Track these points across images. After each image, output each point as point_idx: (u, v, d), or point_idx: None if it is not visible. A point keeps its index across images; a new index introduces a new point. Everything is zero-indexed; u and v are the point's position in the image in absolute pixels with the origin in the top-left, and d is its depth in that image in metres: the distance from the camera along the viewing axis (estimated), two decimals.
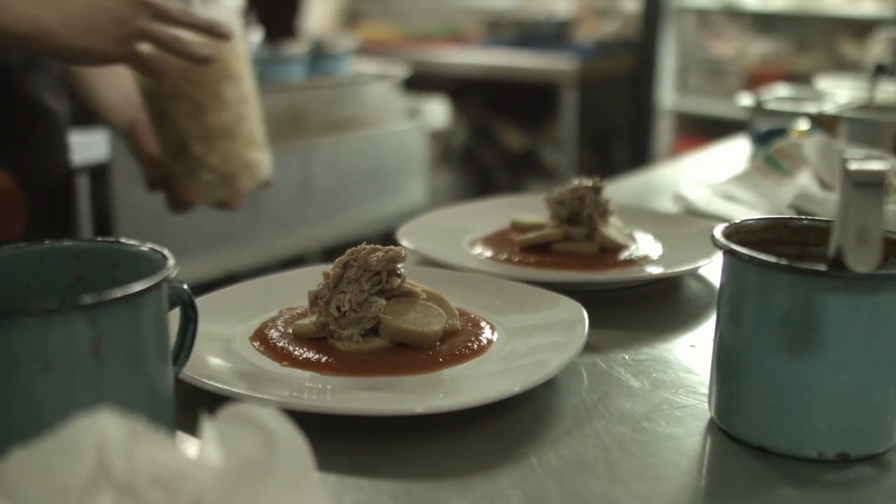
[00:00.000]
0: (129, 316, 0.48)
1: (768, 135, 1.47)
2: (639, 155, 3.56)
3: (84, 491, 0.34)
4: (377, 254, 0.70)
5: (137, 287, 0.48)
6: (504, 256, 0.92)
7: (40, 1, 0.88)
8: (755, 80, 3.37)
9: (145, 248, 0.53)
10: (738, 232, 0.63)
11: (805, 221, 0.66)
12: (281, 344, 0.69)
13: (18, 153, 1.05)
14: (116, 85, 1.20)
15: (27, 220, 1.05)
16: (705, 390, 0.66)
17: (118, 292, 0.47)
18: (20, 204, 1.04)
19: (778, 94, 1.65)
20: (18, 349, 0.46)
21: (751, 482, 0.56)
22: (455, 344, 0.70)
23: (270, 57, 2.48)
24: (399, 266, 0.71)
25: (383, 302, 0.69)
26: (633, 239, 0.97)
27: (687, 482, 0.56)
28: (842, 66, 3.34)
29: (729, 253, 0.59)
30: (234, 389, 0.59)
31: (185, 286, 0.55)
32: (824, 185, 1.17)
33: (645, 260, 0.92)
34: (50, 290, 0.54)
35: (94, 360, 0.47)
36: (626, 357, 0.73)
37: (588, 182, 0.94)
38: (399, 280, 0.71)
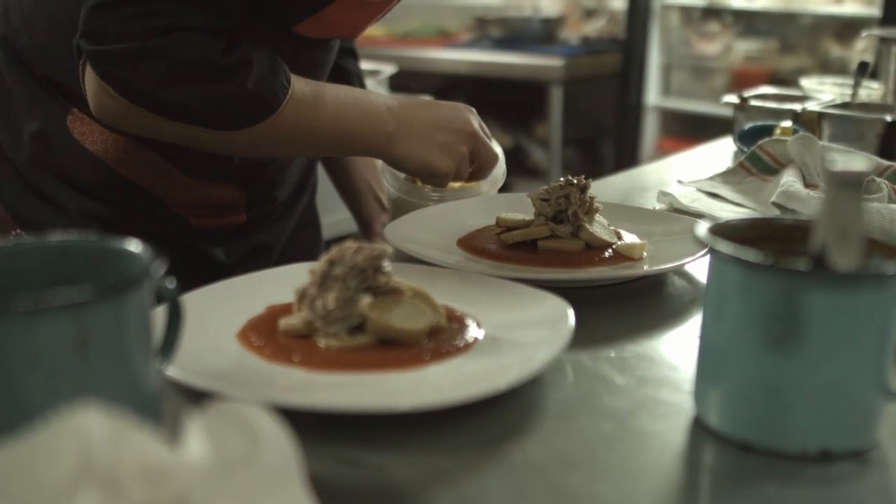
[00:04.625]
0: (114, 313, 0.48)
1: (753, 133, 1.47)
2: (625, 153, 3.57)
3: (68, 487, 0.34)
4: (363, 251, 0.70)
5: (122, 284, 0.48)
6: (490, 254, 0.93)
7: (409, 138, 1.00)
8: (740, 80, 3.39)
9: (130, 245, 0.53)
10: (722, 230, 0.63)
11: (788, 221, 0.66)
12: (267, 341, 0.69)
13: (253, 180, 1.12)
14: (366, 179, 1.34)
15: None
16: (689, 387, 0.66)
17: (102, 290, 0.47)
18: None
19: (762, 92, 1.66)
20: (2, 347, 0.45)
21: (734, 479, 0.56)
22: (441, 341, 0.70)
23: None
24: (385, 263, 0.72)
25: (369, 299, 0.69)
26: (618, 236, 0.97)
27: (670, 478, 0.56)
28: (826, 65, 3.36)
29: (712, 251, 0.59)
30: (219, 386, 0.59)
31: (171, 283, 0.55)
32: (808, 182, 1.18)
33: (630, 257, 0.92)
34: (34, 288, 0.54)
35: (78, 357, 0.47)
36: (612, 354, 0.74)
37: (574, 180, 0.94)
38: (385, 277, 0.71)
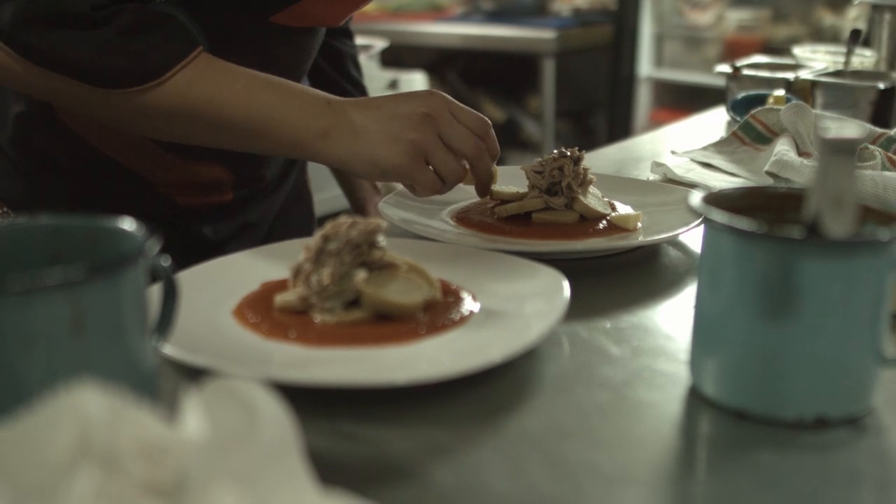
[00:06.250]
0: (110, 292, 0.48)
1: (745, 102, 1.47)
2: (618, 125, 3.56)
3: (66, 465, 0.34)
4: (358, 226, 0.70)
5: (117, 263, 0.48)
6: (484, 227, 0.93)
7: (350, 135, 0.86)
8: (733, 49, 3.38)
9: (124, 223, 0.53)
10: (716, 200, 0.63)
11: (782, 189, 0.66)
12: (263, 318, 0.69)
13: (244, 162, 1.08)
14: None
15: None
16: (685, 357, 0.67)
17: (98, 268, 0.47)
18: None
19: (755, 61, 1.66)
20: None
21: (730, 447, 0.56)
22: (436, 315, 0.70)
23: None
24: (380, 238, 0.71)
25: (364, 274, 0.69)
26: (612, 208, 0.97)
27: (667, 448, 0.56)
28: (819, 34, 3.34)
29: (706, 221, 0.59)
30: (216, 363, 0.59)
31: (165, 261, 0.55)
32: (801, 150, 1.18)
33: (624, 228, 0.92)
34: (29, 268, 0.54)
35: (74, 336, 0.47)
36: (607, 325, 0.74)
37: (567, 152, 0.94)
38: (380, 252, 0.71)
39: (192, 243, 1.07)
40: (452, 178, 0.89)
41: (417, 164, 0.86)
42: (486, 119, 0.91)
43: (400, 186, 1.07)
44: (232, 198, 1.09)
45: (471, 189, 0.96)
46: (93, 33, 0.82)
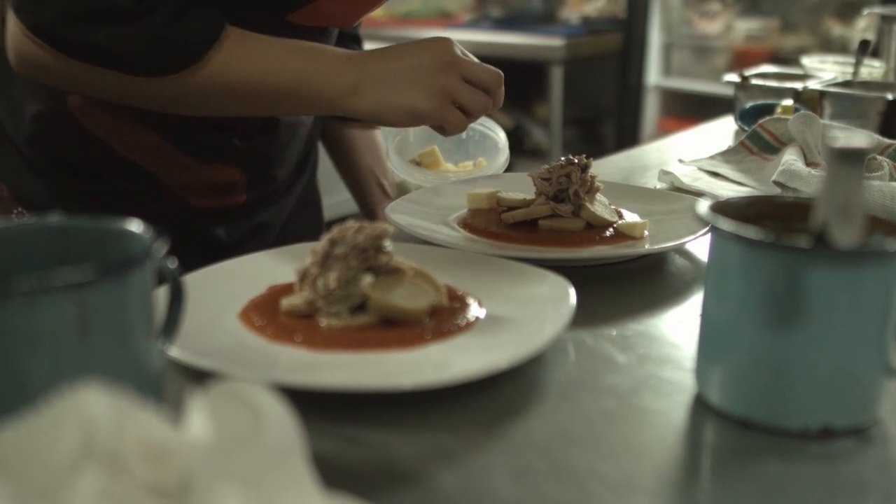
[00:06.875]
0: (116, 293, 0.48)
1: (754, 111, 1.47)
2: (625, 133, 3.56)
3: (71, 466, 0.34)
4: (364, 231, 0.70)
5: (124, 265, 0.48)
6: (491, 233, 0.93)
7: (377, 86, 0.91)
8: (741, 59, 3.38)
9: (132, 225, 0.53)
10: (723, 208, 0.63)
11: (789, 199, 0.66)
12: (269, 321, 0.69)
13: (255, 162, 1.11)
14: (369, 166, 1.31)
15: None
16: (691, 365, 0.67)
17: (105, 270, 0.47)
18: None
19: (763, 71, 1.66)
20: (5, 328, 0.45)
21: (735, 456, 0.56)
22: (442, 320, 0.70)
23: None
24: (386, 243, 0.72)
25: (371, 279, 0.69)
26: (619, 215, 0.97)
27: (672, 456, 0.56)
28: (827, 44, 3.34)
29: (713, 229, 0.59)
30: (221, 366, 0.59)
31: (172, 263, 0.55)
32: (809, 160, 1.17)
33: (631, 236, 0.92)
34: (36, 269, 0.54)
35: (81, 338, 0.47)
36: (613, 332, 0.74)
37: (575, 159, 0.94)
38: (386, 257, 0.71)
39: (205, 244, 1.08)
40: (481, 109, 0.95)
41: (448, 106, 0.93)
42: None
43: (411, 191, 1.08)
44: (245, 199, 1.10)
45: (479, 192, 0.97)
46: (137, 25, 0.85)
